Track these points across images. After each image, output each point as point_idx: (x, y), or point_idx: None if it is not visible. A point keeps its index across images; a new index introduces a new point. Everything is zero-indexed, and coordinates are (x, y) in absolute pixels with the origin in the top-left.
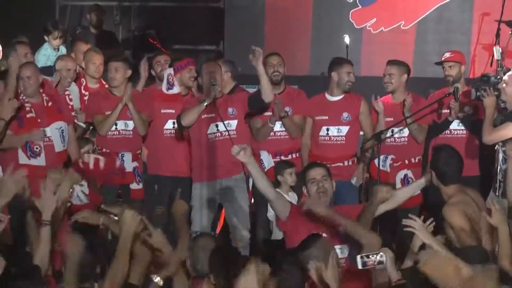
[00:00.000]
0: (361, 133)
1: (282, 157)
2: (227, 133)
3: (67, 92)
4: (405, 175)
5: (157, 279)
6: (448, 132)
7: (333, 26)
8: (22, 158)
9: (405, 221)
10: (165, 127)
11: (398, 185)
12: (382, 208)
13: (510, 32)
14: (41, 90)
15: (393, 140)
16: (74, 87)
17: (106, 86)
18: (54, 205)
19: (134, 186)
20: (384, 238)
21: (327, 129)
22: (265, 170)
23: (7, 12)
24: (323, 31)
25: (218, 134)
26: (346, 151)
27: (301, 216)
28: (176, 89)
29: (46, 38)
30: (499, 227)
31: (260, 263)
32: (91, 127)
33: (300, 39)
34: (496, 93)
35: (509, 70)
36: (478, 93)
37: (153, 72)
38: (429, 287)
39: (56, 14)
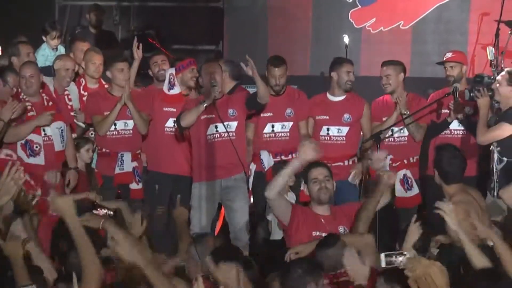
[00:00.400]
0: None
1: (283, 157)
2: (226, 134)
3: (66, 92)
4: (404, 175)
5: None
6: (448, 132)
7: (333, 26)
8: (21, 157)
9: (437, 203)
10: (166, 125)
11: (398, 185)
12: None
13: (509, 32)
14: (41, 90)
15: (392, 139)
16: (73, 87)
17: (106, 86)
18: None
19: (133, 186)
20: (384, 238)
21: (328, 129)
22: (265, 170)
23: (7, 12)
24: (323, 31)
25: (217, 135)
26: (347, 151)
27: (301, 216)
28: (177, 89)
29: (44, 38)
30: (494, 242)
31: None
32: (90, 128)
33: (300, 39)
34: (489, 93)
35: (502, 70)
36: (471, 94)
37: (150, 73)
38: None
39: (55, 14)
